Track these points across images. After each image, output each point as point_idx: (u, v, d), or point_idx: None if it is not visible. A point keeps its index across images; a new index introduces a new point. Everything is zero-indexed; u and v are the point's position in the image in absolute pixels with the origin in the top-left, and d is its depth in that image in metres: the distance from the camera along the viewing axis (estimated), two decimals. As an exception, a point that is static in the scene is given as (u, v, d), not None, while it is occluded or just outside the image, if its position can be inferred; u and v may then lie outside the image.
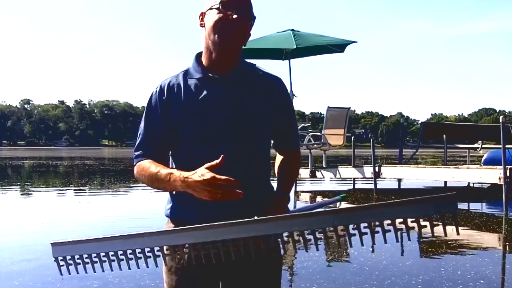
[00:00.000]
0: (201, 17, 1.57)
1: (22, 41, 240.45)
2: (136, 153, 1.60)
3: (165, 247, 1.37)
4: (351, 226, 1.21)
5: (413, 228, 1.18)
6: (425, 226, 1.17)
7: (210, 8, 1.52)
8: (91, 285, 3.72)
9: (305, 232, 1.24)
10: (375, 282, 3.83)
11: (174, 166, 1.60)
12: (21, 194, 11.59)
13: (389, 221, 1.19)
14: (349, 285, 3.80)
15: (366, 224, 1.20)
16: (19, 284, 3.81)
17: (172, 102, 1.54)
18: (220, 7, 1.49)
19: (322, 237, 1.24)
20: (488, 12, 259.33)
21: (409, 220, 1.18)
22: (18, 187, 13.42)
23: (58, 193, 11.84)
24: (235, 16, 1.48)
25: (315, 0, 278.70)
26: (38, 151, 72.28)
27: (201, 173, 1.36)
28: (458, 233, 1.26)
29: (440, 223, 1.17)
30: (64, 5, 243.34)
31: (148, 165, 1.54)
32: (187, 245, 1.34)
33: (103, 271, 1.41)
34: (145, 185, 1.60)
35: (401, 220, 1.18)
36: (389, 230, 1.20)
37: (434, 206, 1.13)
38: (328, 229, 1.22)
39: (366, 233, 1.20)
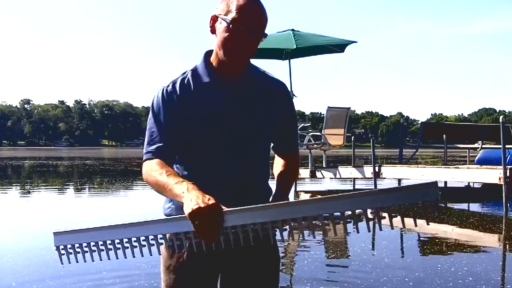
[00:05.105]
0: (212, 21, 1.50)
1: (22, 41, 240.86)
2: (149, 148, 1.51)
3: (167, 235, 1.37)
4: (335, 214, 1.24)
5: (396, 216, 1.20)
6: (409, 215, 1.17)
7: (222, 19, 1.46)
8: (85, 285, 3.72)
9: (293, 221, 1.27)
10: (371, 280, 3.88)
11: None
12: (21, 194, 11.58)
13: (372, 210, 1.21)
14: (346, 281, 3.84)
15: (350, 213, 1.21)
16: (16, 285, 3.80)
17: (180, 103, 1.52)
18: (231, 25, 1.43)
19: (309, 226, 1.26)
20: (488, 12, 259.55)
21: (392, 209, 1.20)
22: (18, 186, 13.42)
23: (58, 193, 11.85)
24: (244, 37, 1.43)
25: (315, 0, 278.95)
26: (38, 151, 72.21)
27: (210, 202, 1.24)
28: (442, 218, 1.27)
29: (419, 214, 1.17)
30: (64, 5, 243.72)
31: (156, 167, 1.43)
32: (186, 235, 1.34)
33: (101, 259, 1.42)
34: (147, 185, 1.52)
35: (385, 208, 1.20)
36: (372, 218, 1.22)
37: (416, 194, 1.14)
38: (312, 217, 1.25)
39: (350, 221, 1.22)
